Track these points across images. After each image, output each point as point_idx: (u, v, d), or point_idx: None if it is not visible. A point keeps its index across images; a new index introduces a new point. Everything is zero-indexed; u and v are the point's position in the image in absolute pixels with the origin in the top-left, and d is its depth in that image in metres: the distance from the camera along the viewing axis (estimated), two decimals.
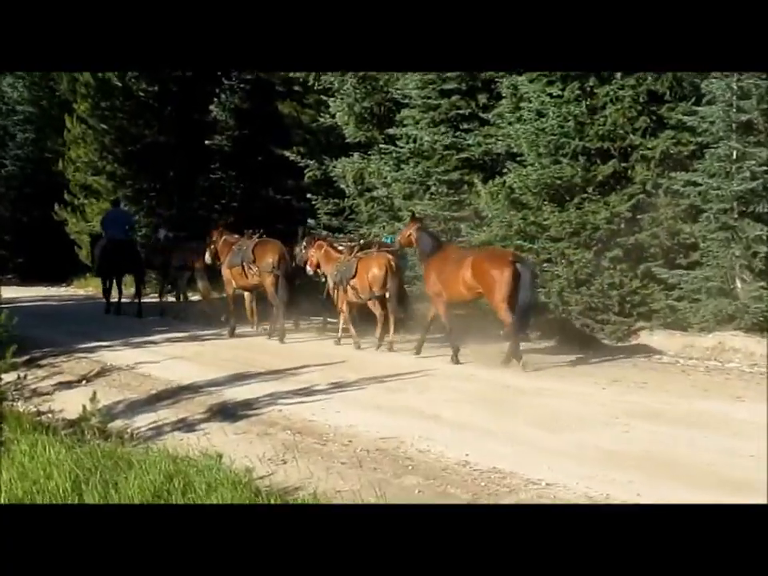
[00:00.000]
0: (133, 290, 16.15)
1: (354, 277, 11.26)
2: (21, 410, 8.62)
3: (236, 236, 12.91)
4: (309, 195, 14.73)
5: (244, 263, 12.28)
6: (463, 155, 12.17)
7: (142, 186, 19.95)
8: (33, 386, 9.81)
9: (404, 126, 12.74)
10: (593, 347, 10.52)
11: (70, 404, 8.45)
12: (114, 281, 16.10)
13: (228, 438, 6.88)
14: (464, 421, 7.12)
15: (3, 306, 10.07)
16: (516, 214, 11.12)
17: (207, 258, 13.25)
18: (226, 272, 12.70)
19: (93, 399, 7.18)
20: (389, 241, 12.14)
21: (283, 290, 11.95)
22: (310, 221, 14.45)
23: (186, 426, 7.49)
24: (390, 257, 11.08)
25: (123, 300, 15.85)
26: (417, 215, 11.11)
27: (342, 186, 13.88)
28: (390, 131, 12.93)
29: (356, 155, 13.67)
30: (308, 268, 12.27)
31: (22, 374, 9.66)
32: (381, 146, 13.21)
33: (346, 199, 13.96)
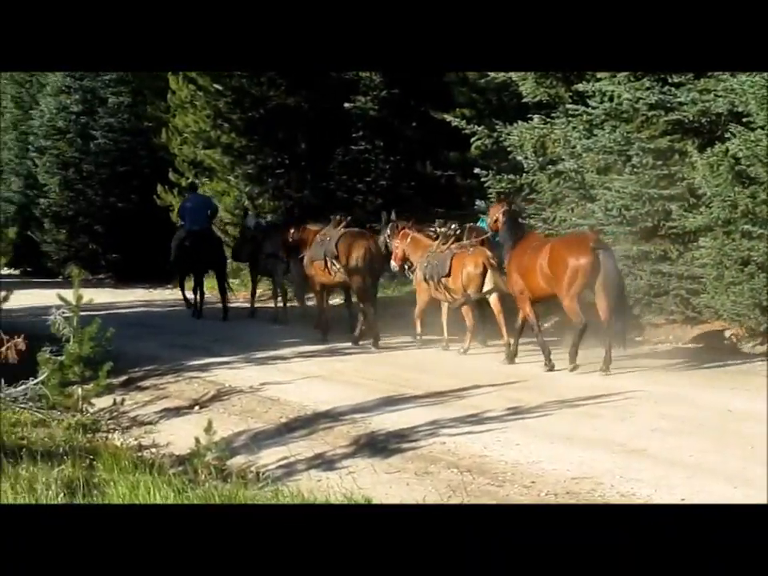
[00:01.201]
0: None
1: (448, 275, 12.62)
2: (118, 443, 9.28)
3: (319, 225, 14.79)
4: (477, 170, 14.94)
5: (327, 258, 13.89)
6: (673, 116, 12.42)
7: (266, 161, 21.05)
8: (132, 414, 10.58)
9: (597, 80, 12.99)
10: None
11: (179, 436, 9.11)
12: (195, 278, 18.36)
13: (378, 478, 7.18)
14: (677, 456, 7.33)
15: (95, 313, 11.48)
16: (742, 191, 11.33)
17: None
18: (308, 266, 14.38)
19: (208, 430, 7.52)
20: (485, 226, 13.39)
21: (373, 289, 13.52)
22: (478, 202, 14.95)
23: (324, 462, 7.86)
24: (489, 253, 12.45)
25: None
26: (504, 194, 12.59)
27: (519, 157, 14.24)
28: (580, 87, 13.18)
29: (536, 119, 14.03)
30: (392, 263, 13.67)
31: (118, 399, 10.77)
32: (568, 106, 13.51)
33: (524, 175, 14.23)
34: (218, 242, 18.95)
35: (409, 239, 13.73)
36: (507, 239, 12.11)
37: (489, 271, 12.41)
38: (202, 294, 18.25)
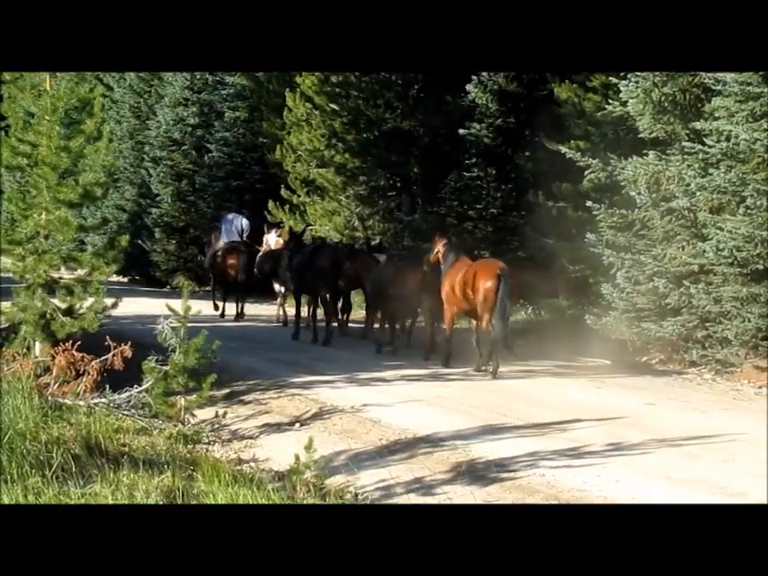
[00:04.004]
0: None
1: None
2: (218, 455, 9.62)
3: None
4: (589, 203, 15.07)
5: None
6: None
7: (378, 183, 21.53)
8: (233, 427, 10.92)
9: (715, 119, 13.10)
10: None
11: (279, 451, 9.34)
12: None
13: None
14: None
15: (201, 325, 11.82)
16: None
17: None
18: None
19: (308, 447, 7.68)
20: None
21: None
22: (589, 235, 14.90)
23: (423, 487, 8.07)
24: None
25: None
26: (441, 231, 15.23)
27: (632, 192, 14.31)
28: (697, 125, 13.33)
29: (651, 155, 14.13)
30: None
31: (220, 411, 11.15)
32: (684, 144, 13.58)
33: (636, 210, 14.38)
34: (250, 255, 21.65)
35: None
36: (445, 265, 14.73)
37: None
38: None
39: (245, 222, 22.29)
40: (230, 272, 21.55)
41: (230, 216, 22.68)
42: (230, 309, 21.68)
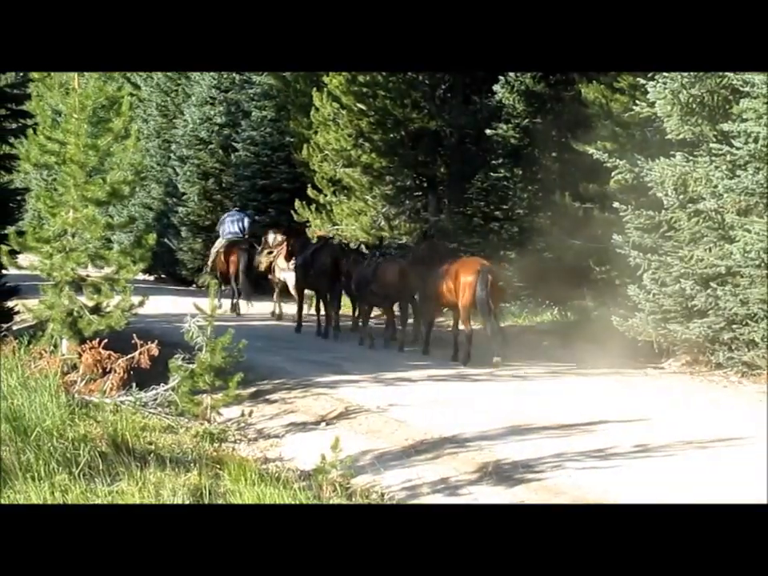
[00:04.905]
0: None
1: None
2: (244, 454, 9.75)
3: None
4: (616, 204, 15.07)
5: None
6: None
7: (405, 183, 21.52)
8: (259, 426, 11.05)
9: (743, 120, 13.04)
10: None
11: (304, 451, 9.52)
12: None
13: None
14: None
15: (228, 324, 11.89)
16: None
17: None
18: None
19: (334, 447, 7.79)
20: None
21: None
22: (615, 236, 15.05)
23: (448, 487, 8.14)
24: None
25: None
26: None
27: (659, 194, 14.28)
28: (725, 127, 13.28)
29: (679, 156, 14.05)
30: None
31: (246, 410, 11.29)
32: (711, 145, 13.54)
33: (663, 211, 14.35)
34: (251, 251, 23.03)
35: None
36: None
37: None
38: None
39: (246, 219, 23.75)
40: (231, 268, 22.79)
41: (233, 214, 24.23)
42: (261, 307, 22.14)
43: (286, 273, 20.91)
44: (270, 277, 22.28)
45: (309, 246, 19.67)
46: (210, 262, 24.18)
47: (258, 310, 22.11)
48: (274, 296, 22.13)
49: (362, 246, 19.40)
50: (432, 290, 15.69)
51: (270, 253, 21.78)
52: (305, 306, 20.00)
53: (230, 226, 23.54)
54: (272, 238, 21.96)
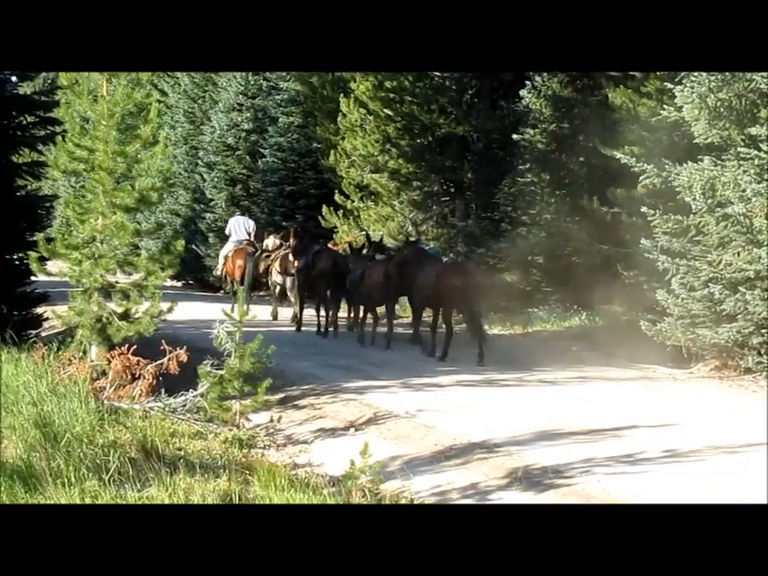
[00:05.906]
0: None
1: None
2: (273, 460, 9.70)
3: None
4: (643, 209, 14.97)
5: None
6: None
7: (432, 188, 21.66)
8: (288, 431, 11.02)
9: None
10: None
11: (333, 456, 9.44)
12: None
13: None
14: None
15: (256, 329, 11.92)
16: None
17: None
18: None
19: (363, 452, 7.76)
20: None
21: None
22: (643, 241, 14.82)
23: (478, 493, 8.13)
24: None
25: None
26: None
27: (688, 198, 14.16)
28: (753, 131, 13.30)
29: (707, 160, 13.97)
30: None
31: (275, 416, 11.30)
32: (739, 149, 13.53)
33: (691, 216, 14.23)
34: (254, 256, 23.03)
35: None
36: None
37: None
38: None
39: (251, 223, 24.15)
40: (238, 273, 22.94)
41: (238, 218, 24.66)
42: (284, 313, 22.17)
43: (282, 276, 21.23)
44: (265, 280, 22.83)
45: (310, 249, 19.87)
46: (219, 267, 24.52)
47: (284, 316, 22.11)
48: (273, 299, 22.64)
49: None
50: (417, 292, 16.61)
51: (268, 256, 22.25)
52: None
53: (237, 230, 23.90)
54: (271, 241, 22.40)
